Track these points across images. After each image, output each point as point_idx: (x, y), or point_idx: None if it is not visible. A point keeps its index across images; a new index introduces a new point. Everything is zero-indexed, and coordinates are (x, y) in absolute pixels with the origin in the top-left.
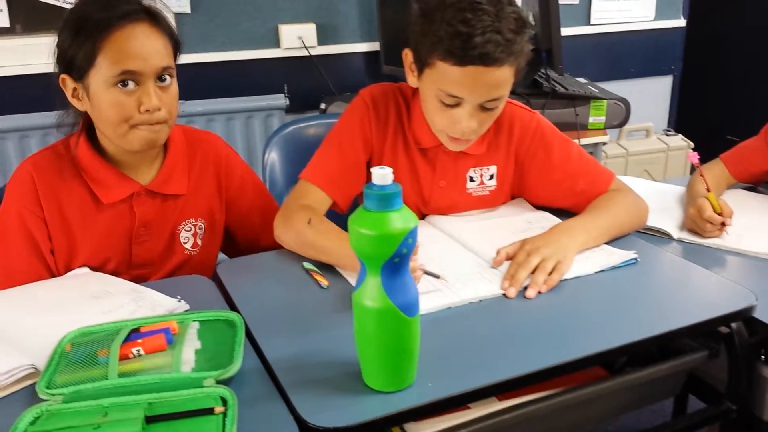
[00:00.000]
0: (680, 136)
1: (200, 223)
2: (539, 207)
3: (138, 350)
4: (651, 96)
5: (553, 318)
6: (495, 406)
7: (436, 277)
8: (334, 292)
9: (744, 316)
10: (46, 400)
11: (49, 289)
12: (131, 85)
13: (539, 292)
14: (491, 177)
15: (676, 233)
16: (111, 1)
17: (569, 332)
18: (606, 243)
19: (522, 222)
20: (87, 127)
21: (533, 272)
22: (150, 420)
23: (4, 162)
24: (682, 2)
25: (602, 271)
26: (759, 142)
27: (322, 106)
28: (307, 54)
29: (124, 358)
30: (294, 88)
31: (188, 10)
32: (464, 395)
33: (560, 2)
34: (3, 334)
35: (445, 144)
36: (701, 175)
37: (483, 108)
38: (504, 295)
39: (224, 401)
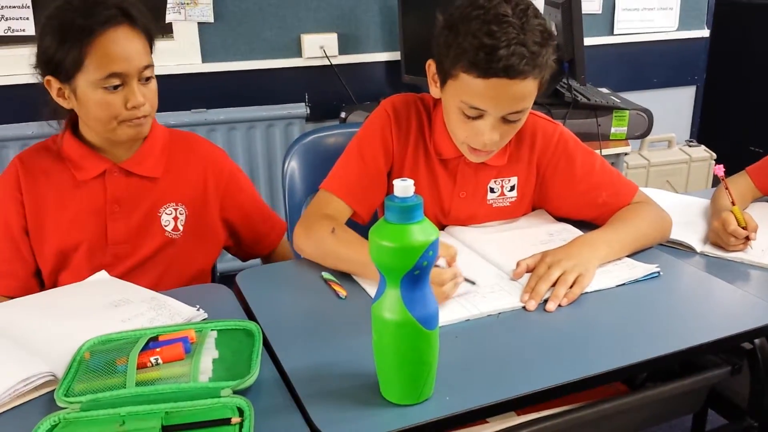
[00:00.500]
0: (703, 147)
1: (181, 208)
2: (560, 219)
3: (156, 359)
4: (674, 106)
5: (573, 332)
6: (513, 420)
7: (473, 283)
8: (352, 302)
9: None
10: (64, 408)
11: (68, 296)
12: (117, 85)
13: (560, 306)
14: (512, 188)
15: (699, 246)
16: (90, 7)
17: (590, 347)
18: (628, 256)
19: (543, 234)
20: (72, 122)
21: (554, 285)
22: (167, 429)
23: None
24: (705, 13)
25: (624, 284)
26: None
27: (343, 115)
28: (329, 63)
29: (142, 366)
30: (315, 97)
31: (212, 20)
32: (482, 409)
33: (583, 12)
34: (22, 341)
35: (466, 155)
36: (726, 188)
37: (505, 120)
38: (524, 308)
39: (241, 411)
